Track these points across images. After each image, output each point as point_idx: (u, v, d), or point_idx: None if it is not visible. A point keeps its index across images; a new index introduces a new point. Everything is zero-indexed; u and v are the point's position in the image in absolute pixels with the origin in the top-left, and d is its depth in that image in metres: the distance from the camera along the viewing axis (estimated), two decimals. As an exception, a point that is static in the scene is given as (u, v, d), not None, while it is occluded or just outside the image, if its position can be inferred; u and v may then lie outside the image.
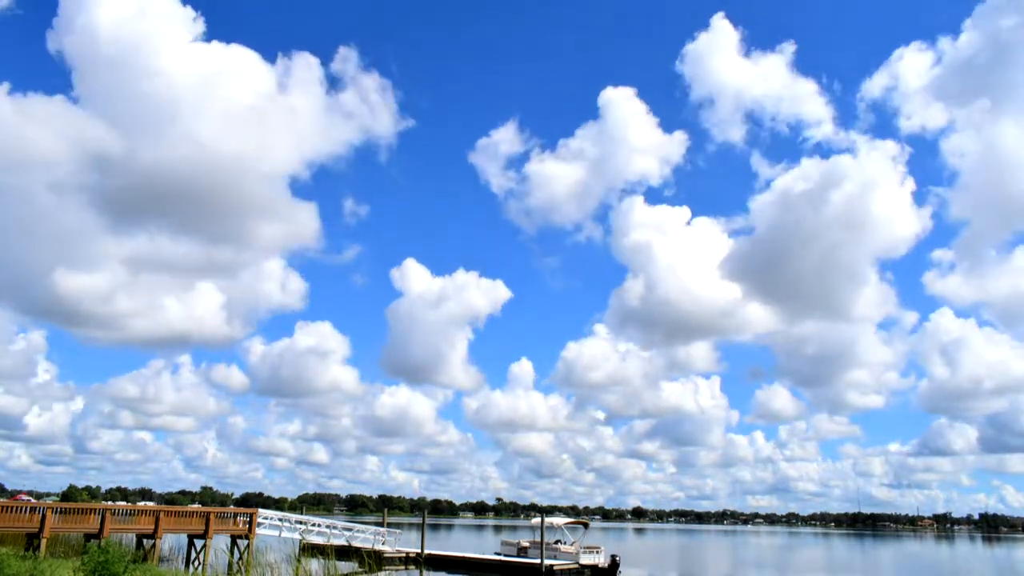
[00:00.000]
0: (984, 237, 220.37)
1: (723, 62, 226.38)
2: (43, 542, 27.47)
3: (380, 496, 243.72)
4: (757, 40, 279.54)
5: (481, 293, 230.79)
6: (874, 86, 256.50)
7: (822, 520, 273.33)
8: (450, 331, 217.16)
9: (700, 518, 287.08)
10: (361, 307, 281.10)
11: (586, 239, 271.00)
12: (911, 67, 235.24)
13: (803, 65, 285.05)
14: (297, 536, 38.66)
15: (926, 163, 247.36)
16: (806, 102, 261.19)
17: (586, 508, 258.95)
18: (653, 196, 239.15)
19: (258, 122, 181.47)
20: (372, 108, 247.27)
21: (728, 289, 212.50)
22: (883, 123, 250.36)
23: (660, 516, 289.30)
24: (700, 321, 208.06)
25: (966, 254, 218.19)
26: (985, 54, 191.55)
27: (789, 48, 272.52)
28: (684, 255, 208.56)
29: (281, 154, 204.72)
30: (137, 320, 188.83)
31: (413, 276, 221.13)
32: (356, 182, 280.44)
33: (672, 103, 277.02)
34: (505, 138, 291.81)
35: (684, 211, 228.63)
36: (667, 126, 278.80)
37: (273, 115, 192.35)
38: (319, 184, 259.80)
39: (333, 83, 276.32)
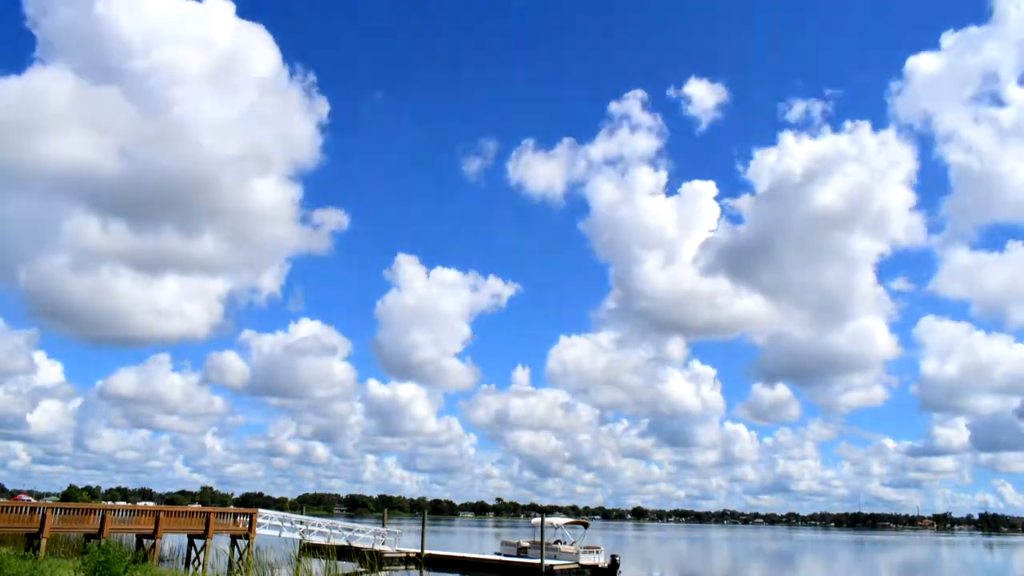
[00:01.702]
0: (978, 234, 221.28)
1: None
2: (43, 542, 27.47)
3: (380, 496, 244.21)
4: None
5: (480, 291, 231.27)
6: (871, 85, 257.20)
7: (822, 520, 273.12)
8: (448, 329, 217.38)
9: (700, 518, 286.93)
10: (361, 306, 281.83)
11: (582, 237, 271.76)
12: (909, 67, 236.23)
13: (797, 66, 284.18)
14: (297, 536, 38.63)
15: (923, 161, 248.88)
16: (801, 99, 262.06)
17: (586, 508, 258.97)
18: (650, 193, 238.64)
19: (260, 120, 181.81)
20: (370, 107, 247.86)
21: (727, 286, 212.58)
22: (879, 120, 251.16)
23: (660, 516, 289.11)
24: (698, 319, 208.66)
25: (962, 252, 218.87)
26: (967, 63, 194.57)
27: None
28: (683, 253, 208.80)
29: (282, 153, 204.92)
30: (137, 319, 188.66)
31: (410, 274, 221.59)
32: (355, 181, 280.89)
33: (668, 103, 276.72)
34: (500, 138, 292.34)
35: (680, 207, 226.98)
36: (664, 123, 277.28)
37: (275, 113, 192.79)
38: (318, 183, 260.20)
39: (326, 84, 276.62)
